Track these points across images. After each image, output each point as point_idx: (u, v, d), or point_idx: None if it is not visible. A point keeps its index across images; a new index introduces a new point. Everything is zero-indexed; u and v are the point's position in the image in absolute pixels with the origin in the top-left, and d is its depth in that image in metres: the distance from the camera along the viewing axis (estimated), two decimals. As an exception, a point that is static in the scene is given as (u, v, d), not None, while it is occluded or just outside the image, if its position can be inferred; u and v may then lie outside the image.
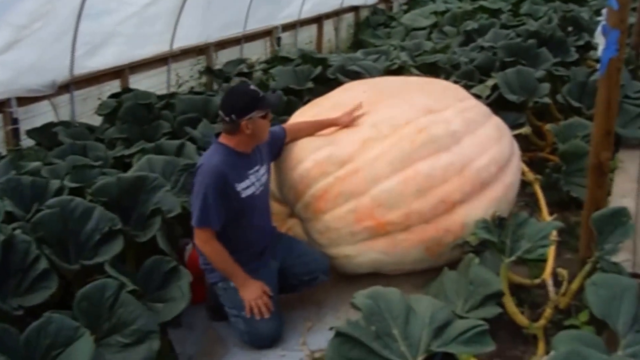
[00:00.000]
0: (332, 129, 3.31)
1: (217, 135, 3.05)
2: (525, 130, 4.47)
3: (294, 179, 3.26)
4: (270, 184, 3.31)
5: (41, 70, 5.56)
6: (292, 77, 6.33)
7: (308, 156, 3.24)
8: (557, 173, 4.17)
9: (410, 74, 5.83)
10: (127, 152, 4.34)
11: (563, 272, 3.07)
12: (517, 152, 3.63)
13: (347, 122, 3.27)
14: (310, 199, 3.21)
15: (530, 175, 3.91)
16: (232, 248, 2.96)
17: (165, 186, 3.50)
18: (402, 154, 3.11)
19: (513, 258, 2.82)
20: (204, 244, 2.93)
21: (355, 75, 5.89)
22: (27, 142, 5.76)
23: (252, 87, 3.04)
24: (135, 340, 2.67)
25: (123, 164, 4.32)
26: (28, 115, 5.98)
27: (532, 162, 4.84)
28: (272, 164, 3.31)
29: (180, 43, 7.57)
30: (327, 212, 3.18)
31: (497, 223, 3.07)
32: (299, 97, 5.68)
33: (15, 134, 5.58)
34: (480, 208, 3.16)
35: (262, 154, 3.10)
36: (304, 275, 3.16)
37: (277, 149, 3.27)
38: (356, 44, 11.34)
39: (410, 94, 3.53)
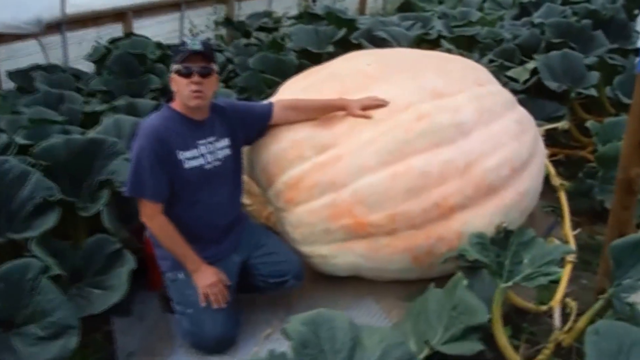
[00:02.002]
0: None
1: (171, 97, 2.78)
2: (563, 125, 4.07)
3: (267, 160, 2.97)
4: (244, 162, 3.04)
5: (23, 4, 5.33)
6: (313, 38, 6.01)
7: (285, 134, 2.95)
8: (592, 179, 3.78)
9: (436, 48, 5.43)
10: (100, 107, 4.10)
11: (572, 304, 2.73)
12: (541, 153, 3.25)
13: (358, 114, 2.88)
14: (283, 186, 2.93)
15: (557, 180, 3.53)
16: (182, 231, 2.73)
17: (125, 153, 3.25)
18: (395, 143, 2.78)
19: (510, 284, 2.49)
20: (149, 219, 2.71)
21: (382, 43, 5.55)
22: (9, 84, 5.61)
23: (189, 38, 2.73)
24: (51, 334, 2.46)
25: (95, 121, 4.08)
26: (14, 54, 5.82)
27: (569, 161, 4.50)
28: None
29: (197, -14, 7.30)
30: (300, 204, 2.89)
31: (502, 237, 2.73)
32: (315, 62, 5.31)
33: (-7, 74, 5.41)
34: (483, 216, 2.83)
35: (225, 126, 2.83)
36: (271, 277, 2.90)
37: (256, 126, 2.96)
38: (405, 6, 10.83)
39: (421, 71, 3.17)
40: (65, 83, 5.13)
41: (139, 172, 2.61)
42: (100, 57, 5.32)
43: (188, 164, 2.68)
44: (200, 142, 2.72)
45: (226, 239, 2.87)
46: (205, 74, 2.64)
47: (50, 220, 2.92)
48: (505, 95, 3.27)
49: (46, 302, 2.50)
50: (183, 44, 2.67)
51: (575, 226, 3.64)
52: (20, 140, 3.57)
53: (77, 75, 5.44)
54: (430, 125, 2.82)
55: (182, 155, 2.67)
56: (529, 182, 3.02)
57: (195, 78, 2.61)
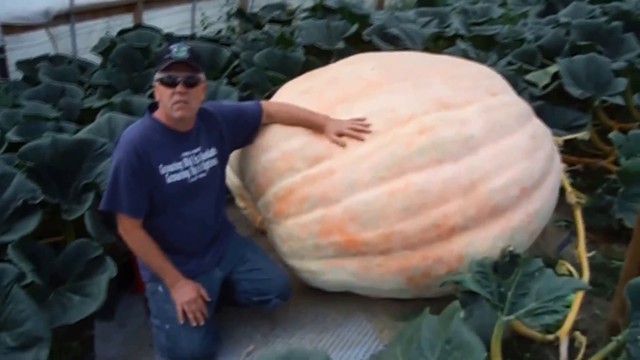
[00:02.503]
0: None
1: (154, 104, 2.61)
2: (583, 135, 3.82)
3: (257, 170, 2.80)
4: (233, 169, 2.86)
5: (32, -5, 5.23)
6: (323, 33, 5.79)
7: (277, 143, 2.77)
8: (611, 195, 3.53)
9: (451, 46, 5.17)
10: (97, 104, 3.95)
11: (581, 338, 2.52)
12: (556, 170, 3.01)
13: (332, 139, 2.67)
14: (272, 198, 2.75)
15: (573, 198, 3.29)
16: (161, 244, 2.58)
17: (115, 154, 3.09)
18: (393, 158, 2.58)
19: (512, 317, 2.28)
20: (125, 233, 2.56)
21: (394, 40, 5.33)
22: (17, 74, 5.50)
23: (174, 44, 2.50)
24: (21, 344, 2.37)
25: (92, 117, 3.94)
26: (23, 44, 5.71)
27: (588, 171, 4.24)
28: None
29: (209, -23, 7.12)
30: (290, 218, 2.71)
31: (507, 261, 2.52)
32: (324, 59, 5.10)
33: (2, 65, 5.29)
34: (487, 239, 2.62)
35: (212, 134, 2.65)
36: (254, 295, 2.75)
37: (245, 131, 2.79)
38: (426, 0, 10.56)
39: (428, 77, 2.96)
40: (69, 75, 5.00)
41: (116, 187, 2.45)
42: (105, 50, 5.17)
43: (170, 178, 2.51)
44: (185, 154, 2.55)
45: (209, 252, 2.71)
46: (191, 83, 2.45)
47: (31, 224, 2.81)
48: (520, 106, 3.04)
49: (17, 311, 2.42)
50: (167, 50, 2.46)
51: (590, 244, 3.42)
52: (12, 137, 3.46)
53: (83, 66, 5.31)
54: (433, 140, 2.61)
55: (164, 169, 2.50)
56: (540, 203, 2.79)
57: (180, 88, 2.42)
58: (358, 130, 2.62)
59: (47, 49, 5.85)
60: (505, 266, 2.51)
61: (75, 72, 5.07)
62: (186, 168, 2.55)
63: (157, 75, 2.47)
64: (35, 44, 5.78)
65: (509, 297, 2.31)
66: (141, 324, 2.94)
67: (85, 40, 6.08)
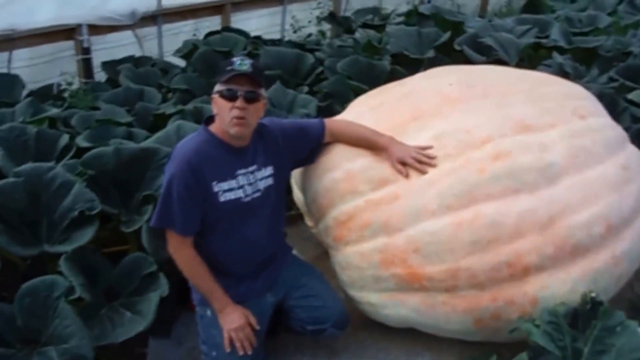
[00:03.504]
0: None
1: (211, 117, 2.53)
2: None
3: (318, 191, 2.67)
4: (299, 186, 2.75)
5: (120, -4, 5.34)
6: (414, 40, 5.60)
7: (341, 163, 2.63)
8: None
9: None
10: (170, 109, 3.95)
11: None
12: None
13: (395, 167, 2.50)
14: (332, 222, 2.62)
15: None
16: (211, 266, 2.50)
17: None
18: (463, 185, 2.39)
19: (586, 376, 2.05)
20: (175, 251, 2.48)
21: (486, 51, 5.08)
22: (101, 75, 5.64)
23: (238, 57, 2.43)
24: None
25: (164, 124, 3.95)
26: (110, 45, 5.86)
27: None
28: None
29: (301, -20, 7.08)
30: (349, 244, 2.57)
31: (588, 309, 2.28)
32: (412, 69, 4.88)
33: (87, 65, 5.44)
34: (565, 282, 2.37)
35: (270, 152, 2.54)
36: (309, 324, 2.61)
37: (306, 150, 2.67)
38: (531, 5, 10.11)
39: (510, 96, 2.74)
40: (150, 78, 5.06)
41: (168, 203, 2.38)
42: (188, 53, 5.21)
43: (224, 197, 2.42)
44: (240, 172, 2.46)
45: (261, 276, 2.60)
46: (251, 98, 2.36)
47: (86, 235, 2.82)
48: (612, 131, 2.76)
49: (63, 327, 2.46)
50: (230, 62, 2.38)
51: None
52: (81, 142, 3.50)
53: (166, 69, 5.36)
54: (509, 167, 2.40)
55: (218, 186, 2.41)
56: (629, 243, 2.51)
57: (239, 103, 2.33)
58: (421, 162, 2.45)
59: (134, 49, 5.97)
60: (585, 314, 2.26)
61: (157, 75, 5.12)
62: (241, 187, 2.45)
63: (217, 88, 2.40)
64: (122, 45, 5.91)
65: (585, 354, 2.08)
66: (197, 343, 2.83)
67: (173, 42, 6.15)
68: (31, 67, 5.52)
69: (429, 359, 2.71)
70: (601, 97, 3.65)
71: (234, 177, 2.44)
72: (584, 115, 2.71)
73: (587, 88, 3.37)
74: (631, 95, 4.04)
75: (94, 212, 2.80)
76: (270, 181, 2.53)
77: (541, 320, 2.16)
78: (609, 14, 7.20)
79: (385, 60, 5.02)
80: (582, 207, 2.40)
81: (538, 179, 2.40)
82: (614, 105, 3.85)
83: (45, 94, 5.06)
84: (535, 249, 2.34)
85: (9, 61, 5.23)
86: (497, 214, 2.35)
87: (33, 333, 2.46)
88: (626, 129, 3.22)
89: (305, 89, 4.64)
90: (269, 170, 2.53)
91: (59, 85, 5.28)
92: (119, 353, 2.69)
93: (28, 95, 4.76)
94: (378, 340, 2.80)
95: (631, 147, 2.82)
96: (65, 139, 3.44)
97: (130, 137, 3.62)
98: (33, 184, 2.84)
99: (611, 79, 4.34)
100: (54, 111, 3.93)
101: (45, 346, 2.42)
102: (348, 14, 7.82)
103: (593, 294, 2.33)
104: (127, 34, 5.90)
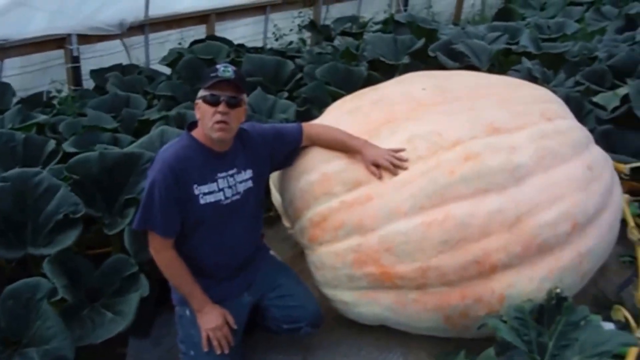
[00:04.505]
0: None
1: (193, 123, 2.48)
2: (653, 163, 3.43)
3: (295, 193, 2.62)
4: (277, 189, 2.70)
5: (107, 7, 5.25)
6: (390, 47, 5.56)
7: (317, 166, 2.58)
8: (681, 231, 3.15)
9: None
10: (154, 115, 3.88)
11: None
12: (615, 203, 2.69)
13: (369, 169, 2.45)
14: (307, 223, 2.57)
15: (635, 234, 2.93)
16: (191, 267, 2.44)
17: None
18: (434, 186, 2.34)
19: (552, 369, 2.01)
20: (156, 253, 2.43)
21: (459, 57, 5.05)
22: (90, 82, 5.56)
23: (221, 64, 2.39)
24: None
25: (148, 130, 3.88)
26: (98, 53, 5.78)
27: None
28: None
29: (284, -9, 7.02)
30: (324, 244, 2.52)
31: (553, 304, 2.24)
32: (388, 75, 4.84)
33: (76, 73, 5.36)
34: (532, 279, 2.33)
35: (250, 155, 2.49)
36: (284, 323, 2.57)
37: (284, 153, 2.62)
38: (503, 12, 10.12)
39: (480, 100, 2.70)
40: (137, 85, 5.00)
41: (149, 206, 2.33)
42: (173, 61, 5.14)
43: (204, 199, 2.37)
44: (220, 175, 2.41)
45: (239, 276, 2.55)
46: (233, 104, 2.32)
47: (70, 238, 2.76)
48: (578, 133, 2.73)
49: (45, 328, 2.40)
50: (214, 69, 2.34)
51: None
52: (67, 147, 3.43)
53: (153, 77, 5.29)
54: (479, 168, 2.36)
55: (198, 189, 2.36)
56: (594, 241, 2.48)
57: (222, 108, 2.29)
58: (394, 165, 2.41)
59: (121, 58, 5.90)
60: (551, 310, 2.22)
61: (143, 82, 5.06)
62: (221, 190, 2.41)
63: (201, 93, 2.36)
64: (110, 53, 5.84)
65: (550, 348, 2.04)
66: (176, 343, 2.80)
67: (159, 50, 6.09)
68: (23, 75, 5.44)
69: (400, 355, 2.67)
70: (568, 100, 3.64)
71: (214, 180, 2.39)
72: (551, 117, 2.68)
73: (555, 92, 3.36)
74: (596, 98, 4.01)
75: (78, 215, 2.74)
76: (249, 184, 2.48)
77: (508, 316, 2.13)
78: (577, 21, 7.23)
79: (362, 66, 4.98)
80: (548, 206, 2.37)
81: (507, 180, 2.36)
82: (579, 108, 3.83)
83: (36, 102, 5.00)
84: (503, 247, 2.30)
85: (1, 70, 5.14)
86: (466, 213, 2.31)
87: (15, 334, 2.40)
88: (591, 131, 3.20)
89: (285, 94, 4.59)
90: (248, 174, 2.48)
91: (48, 92, 5.21)
92: (100, 353, 2.61)
93: (18, 102, 4.69)
94: (351, 337, 2.76)
95: (596, 148, 2.79)
96: (52, 144, 3.37)
97: (115, 142, 3.56)
98: (19, 188, 2.78)
99: (577, 83, 4.31)
100: (42, 118, 3.86)
101: (27, 347, 2.36)
102: (328, 22, 7.80)
103: (558, 290, 2.29)
104: (115, 43, 5.83)
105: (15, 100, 4.76)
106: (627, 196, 3.12)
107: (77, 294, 2.59)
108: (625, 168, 3.20)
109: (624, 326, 2.50)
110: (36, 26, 5.12)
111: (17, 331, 2.41)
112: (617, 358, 2.18)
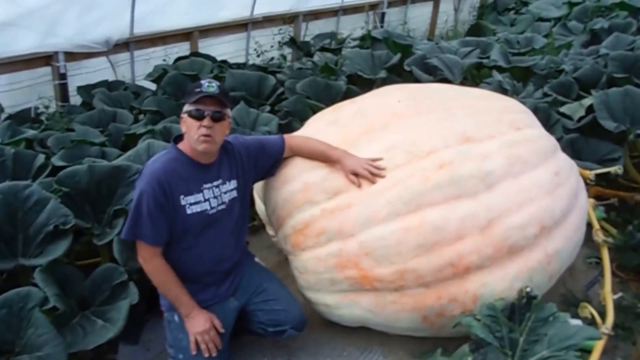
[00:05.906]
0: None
1: (179, 136, 2.52)
2: (616, 169, 3.51)
3: (277, 202, 2.67)
4: (261, 198, 2.74)
5: (93, 26, 5.28)
6: (368, 62, 5.66)
7: (298, 175, 2.63)
8: (643, 233, 3.26)
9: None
10: (141, 129, 3.91)
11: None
12: (580, 207, 2.77)
13: (348, 178, 2.51)
14: (290, 230, 2.62)
15: (600, 236, 3.02)
16: (179, 273, 2.48)
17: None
18: (410, 193, 2.41)
19: (522, 364, 2.08)
20: (144, 261, 2.46)
21: (433, 71, 5.14)
22: (77, 98, 5.56)
23: (205, 79, 2.44)
24: None
25: (135, 144, 3.90)
26: (85, 70, 5.78)
27: (625, 205, 3.91)
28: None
29: (263, 9, 7.07)
30: (306, 250, 2.57)
31: (524, 303, 2.31)
32: (366, 89, 4.93)
33: (63, 90, 5.37)
34: (503, 279, 2.41)
35: (234, 167, 2.54)
36: (269, 326, 2.61)
37: (268, 164, 2.67)
38: (475, 28, 10.30)
39: (453, 110, 2.78)
40: (123, 101, 5.01)
41: (138, 217, 2.36)
42: (158, 77, 5.18)
43: (190, 209, 2.42)
44: (206, 186, 2.45)
45: (225, 282, 2.59)
46: (217, 118, 2.37)
47: (60, 248, 2.75)
48: (545, 141, 2.82)
49: (37, 336, 2.38)
50: (198, 85, 2.39)
51: (621, 284, 3.15)
52: (56, 161, 3.44)
53: (138, 92, 5.31)
54: (451, 175, 2.43)
55: (185, 200, 2.41)
56: (561, 242, 2.56)
57: (207, 122, 2.34)
58: (372, 173, 2.47)
59: (107, 74, 5.91)
60: (521, 307, 2.30)
61: (129, 98, 5.07)
62: (206, 200, 2.45)
63: (186, 108, 2.40)
64: (96, 70, 5.85)
65: (520, 343, 2.11)
66: (165, 348, 2.83)
67: (144, 66, 6.11)
68: (11, 92, 5.42)
69: (381, 354, 2.73)
70: (536, 110, 3.75)
71: (199, 191, 2.44)
72: (520, 127, 2.77)
73: (524, 103, 3.47)
74: (563, 109, 4.13)
75: (68, 226, 2.75)
76: (234, 194, 2.53)
77: (481, 314, 2.19)
78: (545, 36, 7.40)
79: (341, 80, 5.06)
80: (517, 210, 2.44)
81: (478, 186, 2.44)
82: (547, 118, 3.94)
83: (24, 117, 5.00)
84: (475, 249, 2.38)
85: (-10, 87, 5.14)
86: (440, 218, 2.38)
87: (8, 343, 2.39)
88: (559, 139, 3.30)
89: (267, 108, 4.64)
90: (233, 184, 2.53)
91: (36, 108, 5.20)
92: (94, 357, 2.64)
93: (7, 118, 4.68)
94: (334, 338, 2.82)
95: (562, 155, 2.88)
96: (41, 158, 3.37)
97: (103, 156, 3.58)
98: (10, 201, 2.77)
99: (545, 94, 4.43)
100: (30, 133, 3.86)
101: (20, 355, 2.36)
102: (307, 39, 7.87)
103: (528, 289, 2.36)
104: (102, 60, 5.83)
105: (3, 116, 4.75)
106: (592, 200, 3.21)
107: (68, 303, 2.60)
108: (591, 174, 3.29)
109: (590, 322, 2.58)
110: (25, 45, 5.12)
111: (10, 340, 2.40)
112: (584, 352, 2.26)
